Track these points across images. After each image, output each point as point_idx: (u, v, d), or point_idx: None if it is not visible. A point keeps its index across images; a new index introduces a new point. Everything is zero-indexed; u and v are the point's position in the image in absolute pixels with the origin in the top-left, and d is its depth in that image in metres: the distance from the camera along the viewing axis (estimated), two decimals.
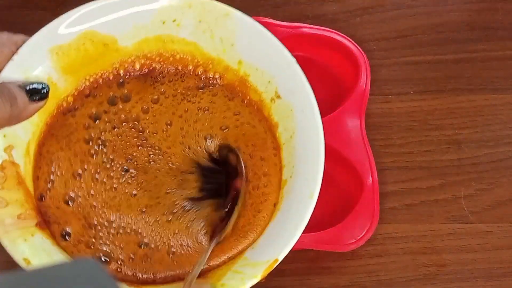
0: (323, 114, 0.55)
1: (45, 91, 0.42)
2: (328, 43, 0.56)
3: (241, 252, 0.45)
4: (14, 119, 0.38)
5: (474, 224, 0.53)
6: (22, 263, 0.39)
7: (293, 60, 0.46)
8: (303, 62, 0.58)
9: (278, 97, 0.46)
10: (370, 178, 0.52)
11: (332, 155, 0.49)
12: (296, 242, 0.50)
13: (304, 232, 0.50)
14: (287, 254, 0.51)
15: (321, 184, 0.53)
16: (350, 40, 0.57)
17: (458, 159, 0.56)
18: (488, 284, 0.51)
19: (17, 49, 0.42)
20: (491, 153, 0.56)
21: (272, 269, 0.41)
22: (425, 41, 0.61)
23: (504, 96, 0.58)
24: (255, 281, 0.41)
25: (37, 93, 0.41)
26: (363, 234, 0.51)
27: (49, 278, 0.24)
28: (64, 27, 0.44)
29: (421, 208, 0.54)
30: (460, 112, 0.58)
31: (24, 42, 0.43)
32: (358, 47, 0.57)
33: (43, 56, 0.44)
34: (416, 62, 0.60)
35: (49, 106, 0.44)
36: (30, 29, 0.59)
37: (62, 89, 0.45)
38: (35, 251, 0.40)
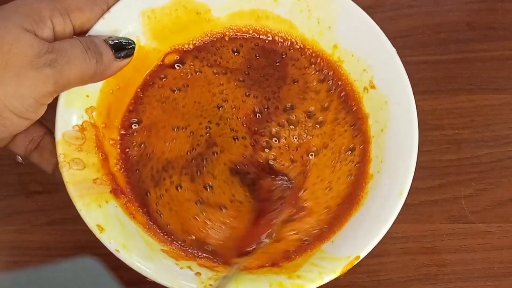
0: None
1: (131, 48, 0.40)
2: None
3: (318, 244, 0.42)
4: (98, 75, 0.36)
5: (474, 224, 0.53)
6: (95, 230, 0.38)
7: (394, 50, 0.44)
8: None
9: (373, 87, 0.45)
10: None
11: None
12: None
13: None
14: None
15: None
16: None
17: (458, 159, 0.56)
18: (488, 284, 0.51)
19: (108, 8, 0.41)
20: (491, 153, 0.56)
21: (352, 265, 0.40)
22: (425, 41, 0.61)
23: (504, 96, 0.58)
24: (333, 276, 0.39)
25: (122, 49, 0.39)
26: None
27: (50, 277, 0.24)
28: None
29: (421, 208, 0.54)
30: (460, 112, 0.58)
31: (115, 1, 0.42)
32: None
33: (134, 18, 0.43)
34: (416, 62, 0.60)
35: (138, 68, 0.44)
36: None
37: (149, 53, 0.45)
38: (109, 218, 0.39)
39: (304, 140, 0.45)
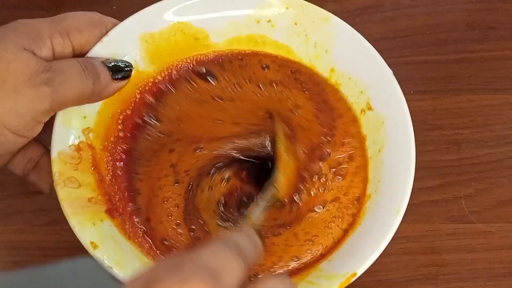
0: None
1: (128, 70, 0.41)
2: None
3: (315, 264, 0.42)
4: (95, 96, 0.37)
5: (474, 224, 0.53)
6: (89, 247, 0.38)
7: (390, 71, 0.45)
8: None
9: (370, 108, 0.45)
10: None
11: None
12: None
13: None
14: None
15: None
16: None
17: (458, 159, 0.56)
18: (488, 284, 0.51)
19: (107, 31, 0.41)
20: (491, 153, 0.56)
21: (349, 283, 0.39)
22: (425, 41, 0.61)
23: (504, 96, 0.58)
24: None
25: (120, 71, 0.40)
26: None
27: (49, 278, 0.24)
28: (159, 15, 0.44)
29: (421, 208, 0.54)
30: (460, 112, 0.58)
31: (114, 25, 0.42)
32: None
33: (132, 42, 0.43)
34: (416, 62, 0.60)
35: (130, 91, 0.43)
36: None
37: (145, 75, 0.44)
38: (103, 236, 0.39)
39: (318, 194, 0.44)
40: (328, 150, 0.45)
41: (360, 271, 0.39)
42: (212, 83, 0.46)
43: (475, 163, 0.56)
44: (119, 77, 0.40)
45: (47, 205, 0.53)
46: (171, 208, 0.43)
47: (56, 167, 0.39)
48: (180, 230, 0.42)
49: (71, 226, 0.38)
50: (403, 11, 0.62)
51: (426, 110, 0.58)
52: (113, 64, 0.40)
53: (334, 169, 0.45)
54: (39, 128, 0.34)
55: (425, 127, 0.57)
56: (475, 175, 0.55)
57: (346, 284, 0.39)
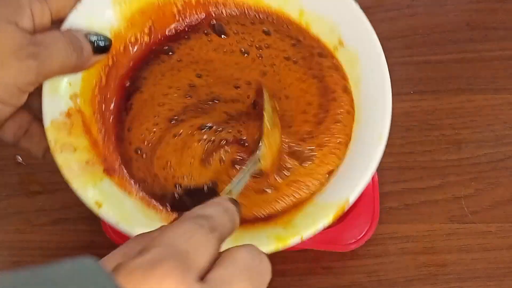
0: None
1: (108, 44, 0.42)
2: None
3: (309, 198, 0.43)
4: (77, 68, 0.38)
5: (474, 224, 0.53)
6: (94, 207, 0.39)
7: (357, 6, 0.45)
8: None
9: (341, 45, 0.46)
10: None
11: None
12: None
13: None
14: (287, 254, 0.51)
15: None
16: None
17: (458, 159, 0.56)
18: (488, 284, 0.51)
19: None
20: (491, 153, 0.56)
21: (343, 211, 0.40)
22: (425, 41, 0.61)
23: (504, 96, 0.58)
24: (326, 221, 0.40)
25: (100, 46, 0.41)
26: (363, 234, 0.51)
27: (48, 278, 0.24)
28: None
29: (421, 208, 0.54)
30: (460, 112, 0.58)
31: None
32: None
33: (105, 5, 0.44)
34: (416, 62, 0.60)
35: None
36: None
37: (122, 37, 0.45)
38: (105, 195, 0.40)
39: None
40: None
41: (352, 198, 0.41)
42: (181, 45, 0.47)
43: (475, 163, 0.56)
44: (99, 51, 0.41)
45: (47, 205, 0.53)
46: (165, 162, 0.44)
47: (50, 135, 0.40)
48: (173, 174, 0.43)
49: (73, 190, 0.39)
50: (403, 11, 0.62)
51: (426, 110, 0.58)
52: (94, 38, 0.41)
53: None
54: (25, 97, 0.35)
55: (425, 127, 0.57)
56: (475, 175, 0.55)
57: (341, 212, 0.40)
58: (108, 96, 0.45)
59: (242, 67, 0.47)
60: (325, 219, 0.40)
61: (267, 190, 0.43)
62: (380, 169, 0.54)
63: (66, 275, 0.24)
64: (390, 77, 0.55)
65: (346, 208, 0.41)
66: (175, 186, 0.43)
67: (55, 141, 0.40)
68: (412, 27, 0.61)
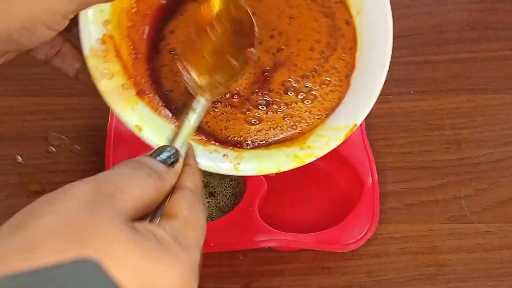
0: None
1: None
2: None
3: (321, 120, 0.46)
4: None
5: (474, 224, 0.53)
6: (135, 130, 0.42)
7: None
8: None
9: None
10: (370, 178, 0.52)
11: (332, 155, 0.49)
12: (296, 242, 0.50)
13: (304, 232, 0.51)
14: (287, 254, 0.51)
15: (321, 184, 0.53)
16: None
17: (458, 159, 0.56)
18: (488, 284, 0.51)
19: None
20: (491, 153, 0.56)
21: (351, 132, 0.44)
22: (425, 41, 0.61)
23: (504, 96, 0.59)
24: (338, 143, 0.44)
25: None
26: (363, 234, 0.51)
27: (49, 279, 0.24)
28: None
29: (421, 208, 0.54)
30: (460, 112, 0.58)
31: None
32: None
33: None
34: (416, 62, 0.60)
35: None
36: None
37: None
38: (142, 117, 0.43)
39: None
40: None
41: (359, 122, 0.44)
42: None
43: (475, 163, 0.56)
44: None
45: None
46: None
47: (91, 62, 0.42)
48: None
49: (116, 114, 0.42)
50: (403, 11, 0.62)
51: (426, 110, 0.58)
52: None
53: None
54: (66, 22, 0.39)
55: (425, 127, 0.57)
56: (475, 175, 0.55)
57: (349, 134, 0.44)
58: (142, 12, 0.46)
59: (280, 11, 0.47)
60: (337, 141, 0.44)
61: (254, 121, 0.46)
62: (380, 169, 0.54)
63: (66, 275, 0.24)
64: (390, 78, 0.55)
65: (354, 130, 0.44)
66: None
67: (95, 68, 0.42)
68: (412, 27, 0.61)
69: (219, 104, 0.46)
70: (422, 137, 0.57)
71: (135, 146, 0.54)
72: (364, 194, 0.52)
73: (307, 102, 0.46)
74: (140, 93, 0.44)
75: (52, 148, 0.55)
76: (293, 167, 0.44)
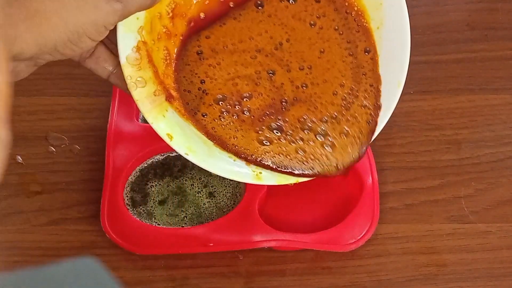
0: None
1: None
2: None
3: (337, 169, 0.47)
4: (152, 5, 0.42)
5: (474, 224, 0.53)
6: (166, 139, 0.43)
7: None
8: None
9: None
10: (370, 178, 0.52)
11: None
12: (296, 242, 0.50)
13: (304, 232, 0.51)
14: (287, 254, 0.51)
15: (321, 184, 0.53)
16: None
17: (458, 159, 0.56)
18: (488, 284, 0.51)
19: None
20: (491, 153, 0.56)
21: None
22: (425, 41, 0.61)
23: (504, 96, 0.59)
24: None
25: None
26: (363, 234, 0.51)
27: (50, 277, 0.24)
28: None
29: (421, 208, 0.54)
30: (460, 112, 0.58)
31: None
32: None
33: None
34: (416, 62, 0.60)
35: None
36: None
37: None
38: (172, 125, 0.44)
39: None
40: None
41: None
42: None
43: (475, 163, 0.56)
44: None
45: (47, 205, 0.53)
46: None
47: (126, 71, 0.43)
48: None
49: (150, 123, 0.43)
50: None
51: (426, 110, 0.58)
52: None
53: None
54: (107, 33, 0.41)
55: (425, 127, 0.57)
56: (475, 175, 0.55)
57: None
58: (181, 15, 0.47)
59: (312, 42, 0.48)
60: None
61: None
62: (380, 169, 0.54)
63: (67, 275, 0.24)
64: None
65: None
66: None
67: (130, 77, 0.43)
68: (412, 27, 0.61)
69: (227, 114, 0.46)
70: (422, 137, 0.57)
71: (135, 146, 0.54)
72: (364, 194, 0.52)
73: (327, 148, 0.46)
74: (169, 98, 0.44)
75: (52, 148, 0.55)
76: (312, 178, 0.45)
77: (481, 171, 0.56)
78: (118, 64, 0.43)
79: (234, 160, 0.45)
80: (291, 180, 0.46)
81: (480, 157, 0.56)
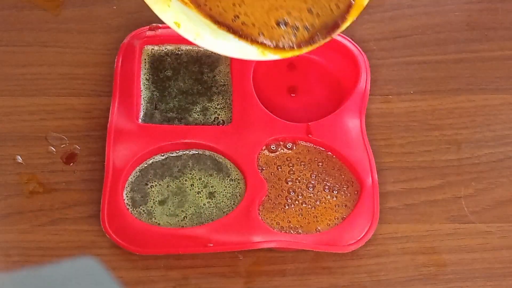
0: (323, 114, 0.55)
1: None
2: (327, 43, 0.56)
3: None
4: None
5: (474, 224, 0.53)
6: (174, 27, 0.45)
7: None
8: (302, 63, 0.58)
9: None
10: (370, 178, 0.52)
11: (332, 155, 0.49)
12: (296, 243, 0.50)
13: (304, 232, 0.51)
14: (287, 254, 0.51)
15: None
16: (350, 40, 0.58)
17: (458, 159, 0.56)
18: (488, 284, 0.51)
19: None
20: (491, 153, 0.56)
21: None
22: (425, 41, 0.61)
23: (504, 96, 0.59)
24: None
25: None
26: (363, 234, 0.51)
27: (50, 277, 0.24)
28: None
29: (421, 208, 0.54)
30: (460, 112, 0.58)
31: None
32: (358, 47, 0.57)
33: None
34: (416, 62, 0.60)
35: None
36: (30, 29, 0.59)
37: None
38: (178, 13, 0.45)
39: None
40: None
41: None
42: None
43: (475, 163, 0.56)
44: None
45: (47, 205, 0.53)
46: None
47: None
48: None
49: (156, 13, 0.44)
50: (403, 11, 0.62)
51: (426, 110, 0.58)
52: None
53: None
54: None
55: (425, 127, 0.57)
56: (475, 175, 0.55)
57: None
58: None
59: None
60: None
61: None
62: (380, 169, 0.54)
63: (66, 275, 0.24)
64: (390, 78, 0.55)
65: None
66: None
67: None
68: (412, 27, 0.61)
69: None
70: (422, 137, 0.57)
71: (135, 146, 0.54)
72: (364, 194, 0.52)
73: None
74: None
75: (52, 148, 0.55)
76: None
77: (481, 171, 0.56)
78: None
79: (240, 40, 0.46)
80: (289, 54, 0.47)
81: (480, 157, 0.56)
